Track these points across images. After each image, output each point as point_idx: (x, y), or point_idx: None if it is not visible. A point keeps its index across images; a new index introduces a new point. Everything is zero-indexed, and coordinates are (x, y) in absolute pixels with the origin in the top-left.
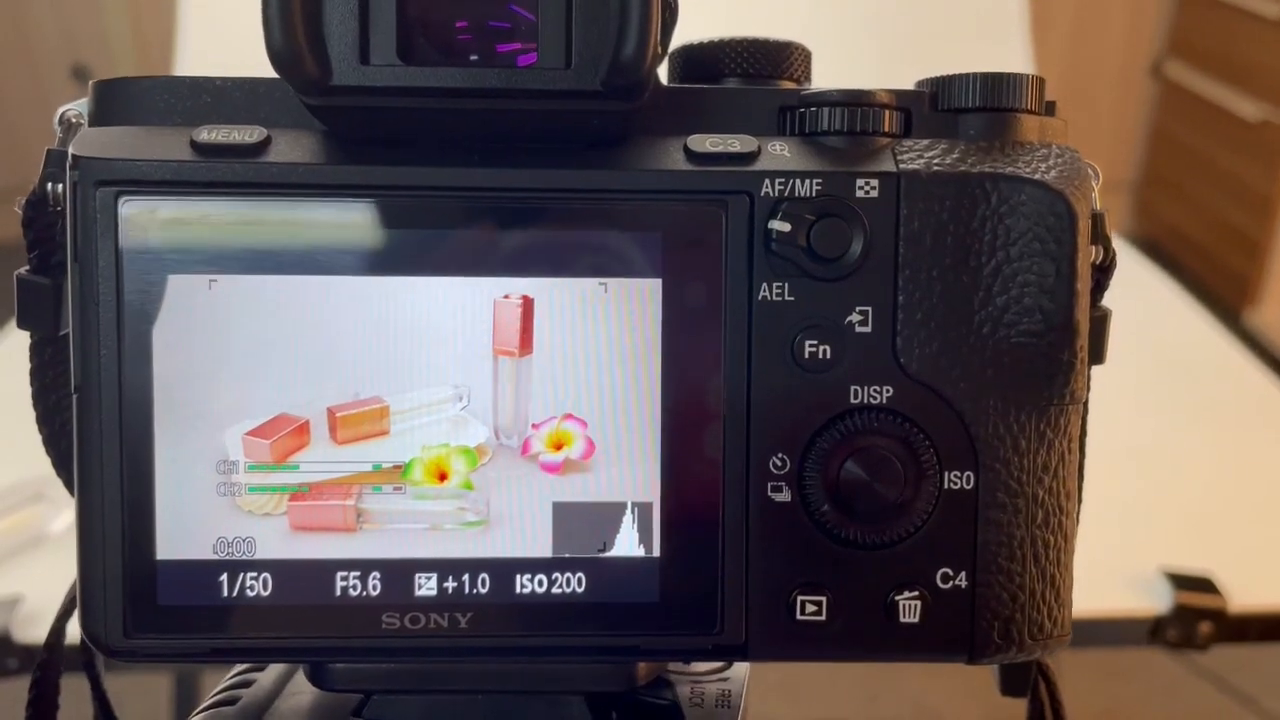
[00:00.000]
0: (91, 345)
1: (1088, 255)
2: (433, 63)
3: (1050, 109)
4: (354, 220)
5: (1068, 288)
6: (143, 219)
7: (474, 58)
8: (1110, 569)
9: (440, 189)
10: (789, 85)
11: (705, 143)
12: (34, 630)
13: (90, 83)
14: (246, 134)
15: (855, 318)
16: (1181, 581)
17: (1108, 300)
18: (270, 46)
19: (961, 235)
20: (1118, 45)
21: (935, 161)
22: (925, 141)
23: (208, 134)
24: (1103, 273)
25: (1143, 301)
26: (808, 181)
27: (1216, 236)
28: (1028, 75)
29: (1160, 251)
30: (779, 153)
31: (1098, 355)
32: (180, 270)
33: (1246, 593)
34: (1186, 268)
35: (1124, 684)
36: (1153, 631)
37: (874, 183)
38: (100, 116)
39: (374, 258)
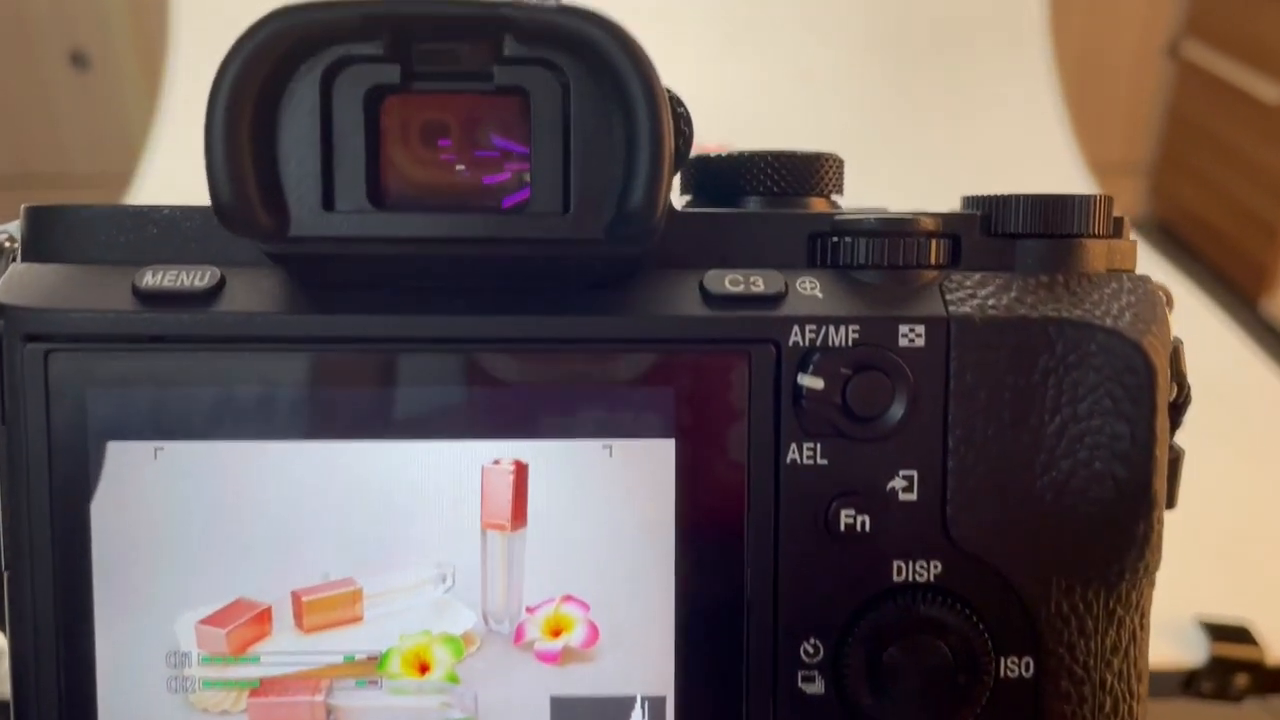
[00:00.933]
0: (22, 521)
1: (1166, 411)
2: (408, 207)
3: (1118, 228)
4: (320, 377)
5: (1145, 452)
6: (77, 379)
7: (461, 175)
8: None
9: (418, 340)
10: (819, 203)
11: (724, 281)
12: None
13: (22, 207)
14: (196, 276)
15: (899, 483)
16: (1218, 632)
17: None
18: (215, 199)
19: (1021, 389)
20: (1134, 24)
21: (990, 302)
22: (977, 276)
23: (152, 277)
24: (1177, 410)
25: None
26: (843, 328)
27: (1233, 221)
28: (1093, 196)
29: (1175, 236)
30: (809, 293)
31: (1171, 499)
32: (121, 436)
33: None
34: (1202, 253)
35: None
36: (1186, 683)
37: (919, 329)
38: (34, 249)
39: (343, 420)
